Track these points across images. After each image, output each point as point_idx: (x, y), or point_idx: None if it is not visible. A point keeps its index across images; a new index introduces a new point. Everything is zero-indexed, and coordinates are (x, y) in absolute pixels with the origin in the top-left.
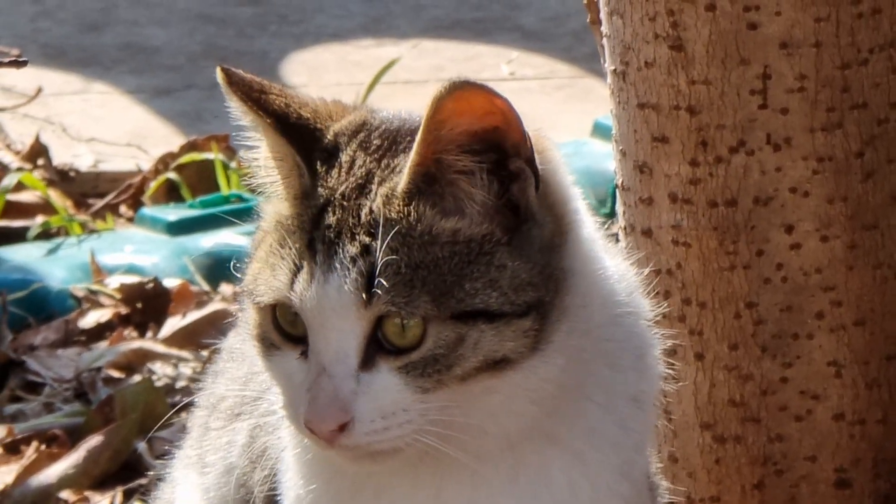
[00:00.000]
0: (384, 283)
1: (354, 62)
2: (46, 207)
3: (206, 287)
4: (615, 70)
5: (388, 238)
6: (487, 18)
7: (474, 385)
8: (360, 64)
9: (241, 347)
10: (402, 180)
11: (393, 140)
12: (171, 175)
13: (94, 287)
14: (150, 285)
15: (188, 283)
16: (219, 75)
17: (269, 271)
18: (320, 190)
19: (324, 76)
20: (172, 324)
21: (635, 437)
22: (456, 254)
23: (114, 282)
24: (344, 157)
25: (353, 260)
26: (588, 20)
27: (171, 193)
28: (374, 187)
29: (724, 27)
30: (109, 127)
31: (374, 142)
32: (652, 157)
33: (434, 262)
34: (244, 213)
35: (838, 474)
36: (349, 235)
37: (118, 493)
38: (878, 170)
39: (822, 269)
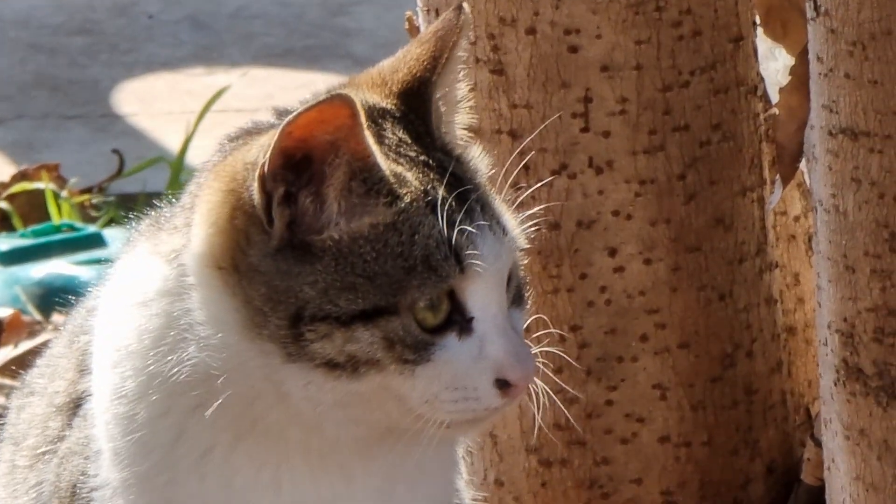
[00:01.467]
0: (510, 224)
1: (186, 90)
2: None
3: (38, 317)
4: None
5: (485, 186)
6: (319, 46)
7: None
8: (192, 92)
9: (41, 382)
10: (443, 136)
11: (391, 116)
12: (2, 204)
13: None
14: None
15: (20, 312)
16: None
17: (402, 272)
18: (406, 181)
19: (155, 104)
20: (4, 353)
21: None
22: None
23: None
24: (378, 147)
25: (483, 213)
26: None
27: (2, 223)
28: (432, 156)
29: (545, 50)
30: None
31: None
32: None
33: (492, 195)
34: (75, 243)
35: (664, 497)
36: (465, 197)
37: None
38: (700, 192)
39: (646, 292)
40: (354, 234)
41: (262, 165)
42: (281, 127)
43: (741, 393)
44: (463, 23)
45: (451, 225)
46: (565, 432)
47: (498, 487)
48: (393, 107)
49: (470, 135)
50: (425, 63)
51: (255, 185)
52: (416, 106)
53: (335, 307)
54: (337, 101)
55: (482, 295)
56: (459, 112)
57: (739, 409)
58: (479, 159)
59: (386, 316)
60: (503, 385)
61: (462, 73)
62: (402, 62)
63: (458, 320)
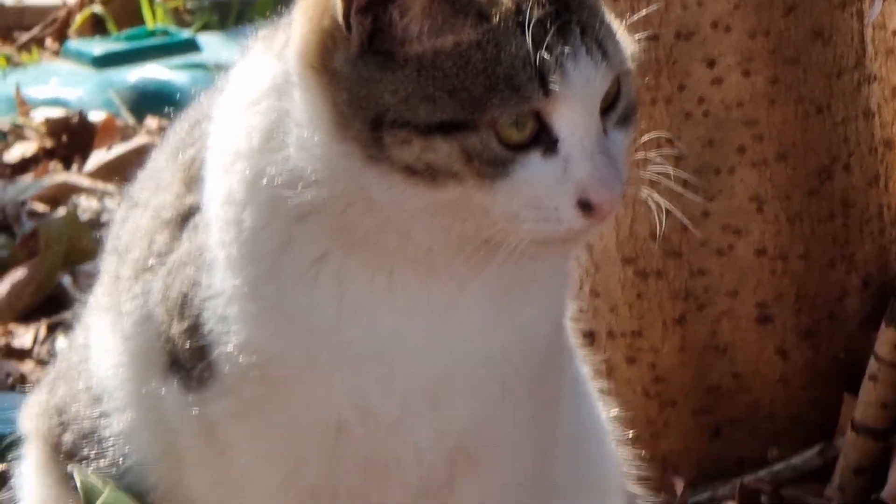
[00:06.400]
0: (611, 46)
1: None
2: None
3: (131, 121)
4: None
5: (589, 8)
6: None
7: None
8: None
9: (144, 195)
10: None
11: None
12: (97, 8)
13: (19, 120)
14: (76, 118)
15: (113, 116)
16: None
17: (483, 90)
18: (499, 0)
19: None
20: (98, 157)
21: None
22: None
23: (39, 115)
24: None
25: (583, 35)
26: None
27: (96, 27)
28: None
29: None
30: None
31: None
32: None
33: (603, 14)
34: (169, 47)
35: (760, 309)
36: (563, 18)
37: (42, 327)
38: (799, 4)
39: (744, 104)
40: (438, 49)
41: None
42: None
43: (838, 206)
44: None
45: (539, 46)
46: (661, 243)
47: (593, 297)
48: None
49: None
50: None
51: None
52: None
53: (414, 115)
54: None
55: (570, 117)
56: None
57: (836, 223)
58: None
59: (465, 130)
60: (586, 207)
61: None
62: None
63: (543, 140)
